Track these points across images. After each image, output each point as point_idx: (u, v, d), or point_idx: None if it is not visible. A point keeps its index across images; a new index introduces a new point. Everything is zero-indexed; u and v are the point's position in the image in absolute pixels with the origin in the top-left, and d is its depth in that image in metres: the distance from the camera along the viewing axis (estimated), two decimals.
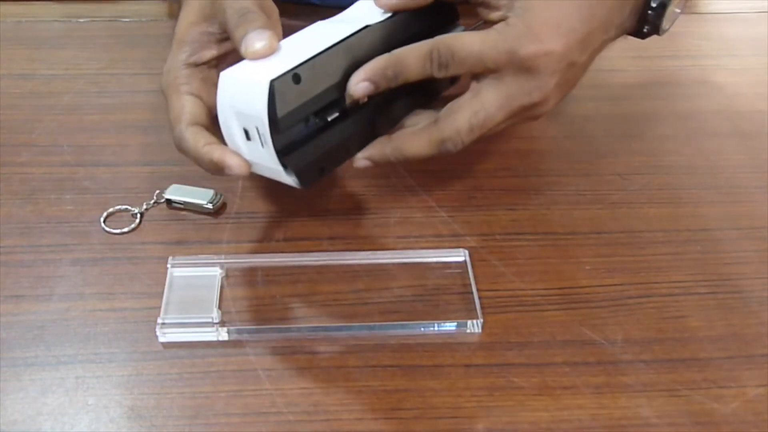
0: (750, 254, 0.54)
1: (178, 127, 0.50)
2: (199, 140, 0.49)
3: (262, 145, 0.46)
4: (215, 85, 0.47)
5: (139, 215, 0.55)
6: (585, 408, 0.45)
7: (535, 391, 0.45)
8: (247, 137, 0.47)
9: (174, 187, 0.57)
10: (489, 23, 0.50)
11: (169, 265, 0.51)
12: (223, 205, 0.56)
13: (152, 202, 0.56)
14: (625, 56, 0.71)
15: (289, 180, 0.48)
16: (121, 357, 0.47)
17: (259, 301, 0.50)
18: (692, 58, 0.74)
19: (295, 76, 0.45)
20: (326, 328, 0.48)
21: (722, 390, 0.46)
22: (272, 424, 0.44)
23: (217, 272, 0.51)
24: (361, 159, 0.52)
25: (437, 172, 0.59)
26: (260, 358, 0.47)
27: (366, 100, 0.49)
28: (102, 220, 0.55)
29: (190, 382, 0.45)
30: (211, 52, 0.52)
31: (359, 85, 0.47)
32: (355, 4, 0.52)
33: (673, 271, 0.53)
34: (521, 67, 0.48)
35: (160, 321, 0.48)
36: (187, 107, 0.50)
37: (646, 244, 0.54)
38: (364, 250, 0.53)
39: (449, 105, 0.51)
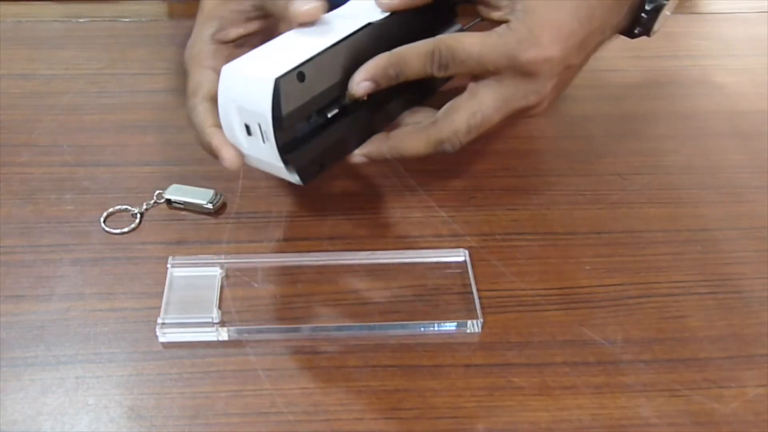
0: (750, 254, 0.54)
1: (193, 99, 0.51)
2: (207, 119, 0.49)
3: (263, 141, 0.46)
4: None
5: (139, 215, 0.55)
6: (585, 408, 0.45)
7: (535, 391, 0.45)
8: (248, 132, 0.47)
9: (174, 187, 0.57)
10: (488, 22, 0.50)
11: (169, 265, 0.51)
12: (223, 205, 0.56)
13: (152, 202, 0.56)
14: (625, 56, 0.71)
15: (289, 176, 0.48)
16: (121, 357, 0.47)
17: (259, 301, 0.50)
18: (692, 58, 0.74)
19: (299, 74, 0.45)
20: (326, 328, 0.48)
21: (722, 390, 0.46)
22: (272, 424, 0.44)
23: (217, 272, 0.51)
24: (358, 155, 0.52)
25: (437, 172, 0.59)
26: (260, 358, 0.47)
27: (366, 97, 0.49)
28: (102, 220, 0.55)
29: (190, 382, 0.45)
30: (237, 30, 0.53)
31: (361, 84, 0.48)
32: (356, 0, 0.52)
33: (673, 271, 0.53)
34: (521, 71, 0.48)
35: (160, 321, 0.48)
36: (206, 82, 0.51)
37: (646, 244, 0.54)
38: (364, 250, 0.53)
39: (447, 105, 0.51)
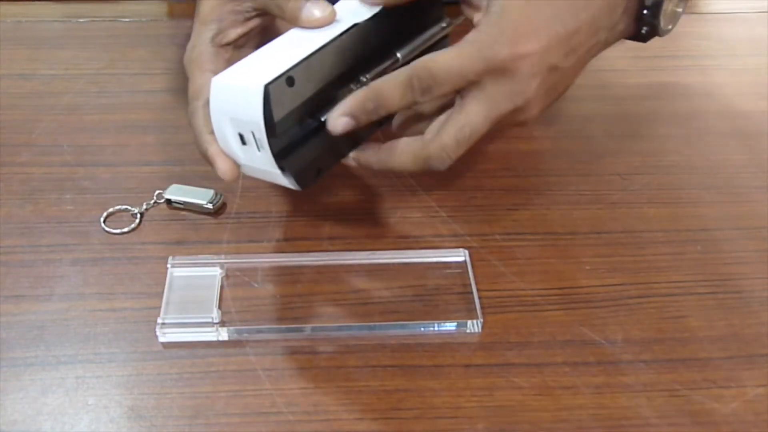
0: (750, 254, 0.54)
1: (195, 103, 0.51)
2: (207, 125, 0.49)
3: (258, 149, 0.46)
4: None
5: (139, 215, 0.55)
6: (585, 408, 0.45)
7: (535, 391, 0.45)
8: (243, 142, 0.47)
9: (174, 187, 0.57)
10: (470, 23, 0.50)
11: (169, 265, 0.51)
12: (223, 205, 0.56)
13: (152, 202, 0.56)
14: (625, 56, 0.71)
15: (287, 182, 0.48)
16: (121, 357, 0.47)
17: (259, 301, 0.50)
18: (692, 58, 0.74)
19: (288, 79, 0.45)
20: (326, 328, 0.48)
21: (722, 390, 0.46)
22: (272, 424, 0.44)
23: (217, 272, 0.51)
24: (350, 158, 0.52)
25: (437, 172, 0.59)
26: (260, 358, 0.47)
27: None
28: (102, 220, 0.55)
29: (190, 382, 0.45)
30: (236, 31, 0.53)
31: (339, 120, 0.46)
32: (342, 0, 0.52)
33: (673, 271, 0.53)
34: (499, 71, 0.47)
35: (160, 321, 0.48)
36: (207, 86, 0.50)
37: (646, 244, 0.54)
38: (364, 250, 0.53)
39: (435, 122, 0.50)
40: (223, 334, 0.48)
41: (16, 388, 0.45)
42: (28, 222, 0.55)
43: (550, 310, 0.50)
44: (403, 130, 0.52)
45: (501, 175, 0.60)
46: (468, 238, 0.54)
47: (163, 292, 0.49)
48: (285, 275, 0.52)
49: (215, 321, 0.48)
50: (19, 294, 0.50)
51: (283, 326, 0.49)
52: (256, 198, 0.57)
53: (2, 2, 0.78)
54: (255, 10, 0.53)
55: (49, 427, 0.43)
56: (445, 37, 0.54)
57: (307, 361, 0.47)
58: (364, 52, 0.49)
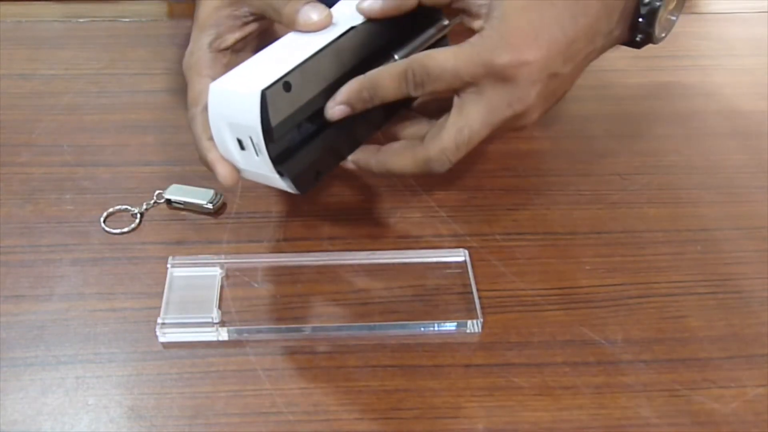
0: (750, 254, 0.54)
1: (194, 109, 0.51)
2: (206, 130, 0.49)
3: (256, 154, 0.46)
4: None
5: (139, 215, 0.55)
6: (585, 408, 0.45)
7: (535, 391, 0.45)
8: (241, 147, 0.47)
9: (174, 187, 0.57)
10: (470, 30, 0.50)
11: (169, 265, 0.51)
12: (223, 205, 0.56)
13: (152, 202, 0.56)
14: (625, 56, 0.71)
15: (286, 186, 0.48)
16: (121, 357, 0.47)
17: (259, 301, 0.50)
18: (692, 58, 0.74)
19: (285, 83, 0.45)
20: (326, 328, 0.48)
21: (722, 390, 0.46)
22: (272, 424, 0.44)
23: (217, 272, 0.51)
24: (349, 162, 0.52)
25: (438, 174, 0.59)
26: (260, 358, 0.47)
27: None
28: (102, 220, 0.55)
29: (190, 382, 0.45)
30: (234, 36, 0.53)
31: (335, 108, 0.47)
32: (338, 4, 0.52)
33: (673, 271, 0.53)
34: (499, 77, 0.47)
35: (160, 321, 0.48)
36: (206, 91, 0.51)
37: (646, 244, 0.54)
38: (364, 250, 0.53)
39: (435, 124, 0.50)
40: (223, 334, 0.48)
41: (16, 388, 0.45)
42: (28, 222, 0.55)
43: (550, 310, 0.50)
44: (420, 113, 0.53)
45: (501, 175, 0.60)
46: (468, 238, 0.54)
47: (163, 292, 0.49)
48: (285, 275, 0.52)
49: (215, 321, 0.48)
50: (19, 294, 0.50)
51: (283, 326, 0.49)
52: (256, 198, 0.57)
53: (2, 2, 0.78)
54: (252, 14, 0.53)
55: (49, 427, 0.43)
56: (443, 38, 0.53)
57: (307, 361, 0.47)
58: (362, 55, 0.49)
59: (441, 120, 0.50)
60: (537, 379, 0.46)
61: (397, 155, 0.50)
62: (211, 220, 0.56)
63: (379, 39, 0.50)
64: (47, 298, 0.50)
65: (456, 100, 0.49)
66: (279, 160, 0.46)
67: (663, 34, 0.52)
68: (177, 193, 0.56)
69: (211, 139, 0.49)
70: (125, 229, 0.54)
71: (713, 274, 0.53)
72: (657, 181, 0.60)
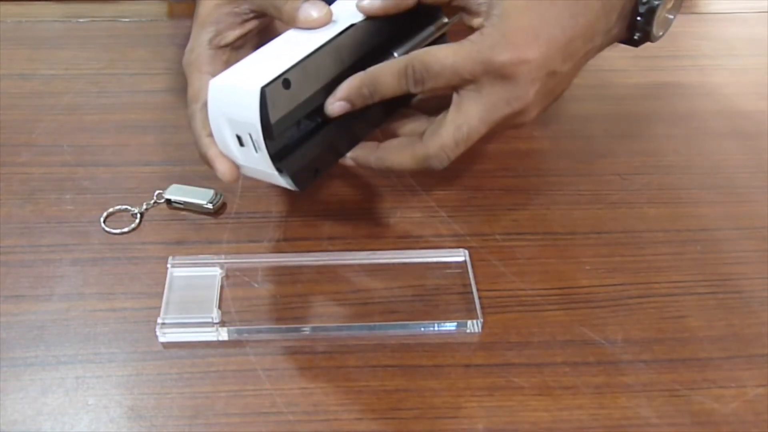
0: (750, 254, 0.54)
1: (194, 106, 0.51)
2: (206, 127, 0.49)
3: (256, 150, 0.46)
4: None
5: (139, 215, 0.55)
6: (585, 408, 0.45)
7: (535, 391, 0.45)
8: (240, 143, 0.47)
9: (174, 187, 0.57)
10: (469, 29, 0.50)
11: (169, 265, 0.51)
12: (223, 205, 0.56)
13: (152, 202, 0.56)
14: (625, 56, 0.71)
15: (285, 183, 0.48)
16: (121, 357, 0.47)
17: (259, 301, 0.50)
18: (692, 58, 0.74)
19: (285, 81, 0.45)
20: (326, 328, 0.48)
21: (722, 390, 0.46)
22: (272, 424, 0.44)
23: (217, 272, 0.51)
24: (348, 158, 0.52)
25: (437, 172, 0.59)
26: (260, 358, 0.47)
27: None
28: (102, 220, 0.55)
29: (190, 382, 0.45)
30: (234, 33, 0.53)
31: (335, 104, 0.48)
32: (338, 1, 0.52)
33: (673, 271, 0.53)
34: (498, 75, 0.47)
35: (160, 321, 0.48)
36: (206, 88, 0.51)
37: (646, 244, 0.54)
38: (364, 250, 0.53)
39: (434, 121, 0.50)
40: (223, 334, 0.48)
41: (16, 388, 0.45)
42: (28, 222, 0.55)
43: (550, 310, 0.50)
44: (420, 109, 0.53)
45: (501, 175, 0.60)
46: (468, 238, 0.54)
47: (163, 292, 0.49)
48: (285, 275, 0.52)
49: (215, 321, 0.48)
50: (19, 294, 0.50)
51: (283, 326, 0.49)
52: (256, 198, 0.57)
53: (2, 2, 0.78)
54: (252, 11, 0.53)
55: (49, 427, 0.43)
56: (442, 36, 0.53)
57: (307, 361, 0.47)
58: (361, 53, 0.49)
59: (440, 117, 0.50)
60: (537, 379, 0.46)
61: (396, 152, 0.50)
62: (211, 220, 0.56)
63: (379, 37, 0.50)
64: (47, 298, 0.50)
65: (455, 97, 0.49)
66: (278, 157, 0.46)
67: (661, 33, 0.53)
68: (177, 193, 0.56)
69: (210, 135, 0.49)
70: (125, 229, 0.54)
71: (713, 274, 0.53)
72: (657, 181, 0.60)
